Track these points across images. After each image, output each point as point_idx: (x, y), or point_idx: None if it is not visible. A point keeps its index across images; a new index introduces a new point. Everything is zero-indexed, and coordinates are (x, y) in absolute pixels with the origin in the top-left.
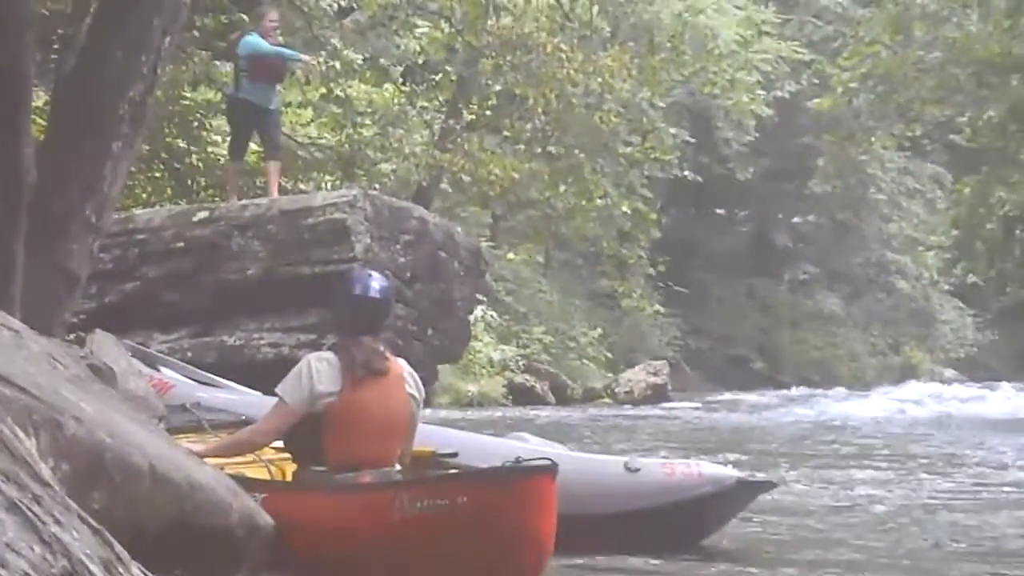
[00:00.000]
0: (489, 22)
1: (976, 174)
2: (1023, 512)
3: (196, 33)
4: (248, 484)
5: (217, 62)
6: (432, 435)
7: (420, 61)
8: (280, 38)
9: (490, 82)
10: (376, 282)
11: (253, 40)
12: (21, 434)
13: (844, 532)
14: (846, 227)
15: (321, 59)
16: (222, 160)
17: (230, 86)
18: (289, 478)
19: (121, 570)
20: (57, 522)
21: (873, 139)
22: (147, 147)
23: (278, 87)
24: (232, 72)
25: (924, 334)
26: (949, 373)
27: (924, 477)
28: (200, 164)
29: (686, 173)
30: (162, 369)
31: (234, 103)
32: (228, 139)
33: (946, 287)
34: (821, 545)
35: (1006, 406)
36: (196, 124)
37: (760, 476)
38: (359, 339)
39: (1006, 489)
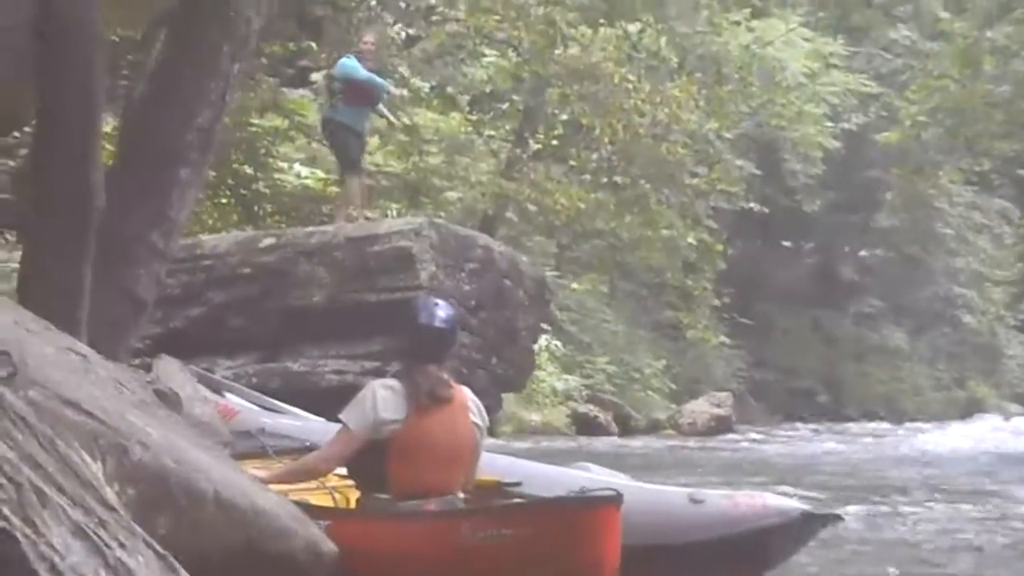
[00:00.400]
0: (556, 51)
1: None
2: None
3: (264, 60)
4: (312, 511)
5: (284, 89)
6: (496, 464)
7: (487, 90)
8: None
9: (556, 111)
10: (442, 311)
11: (350, 64)
12: (88, 458)
13: (908, 568)
14: (912, 261)
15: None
16: (288, 187)
17: (327, 107)
18: (353, 505)
19: None
20: (122, 546)
21: (941, 173)
22: (214, 173)
23: (370, 111)
24: (327, 93)
25: (990, 369)
26: (1015, 408)
27: (986, 514)
28: (267, 191)
29: (753, 204)
30: (227, 395)
31: (330, 124)
32: (294, 166)
33: (1012, 322)
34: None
35: None
36: (263, 151)
37: (825, 509)
38: (424, 367)
39: None
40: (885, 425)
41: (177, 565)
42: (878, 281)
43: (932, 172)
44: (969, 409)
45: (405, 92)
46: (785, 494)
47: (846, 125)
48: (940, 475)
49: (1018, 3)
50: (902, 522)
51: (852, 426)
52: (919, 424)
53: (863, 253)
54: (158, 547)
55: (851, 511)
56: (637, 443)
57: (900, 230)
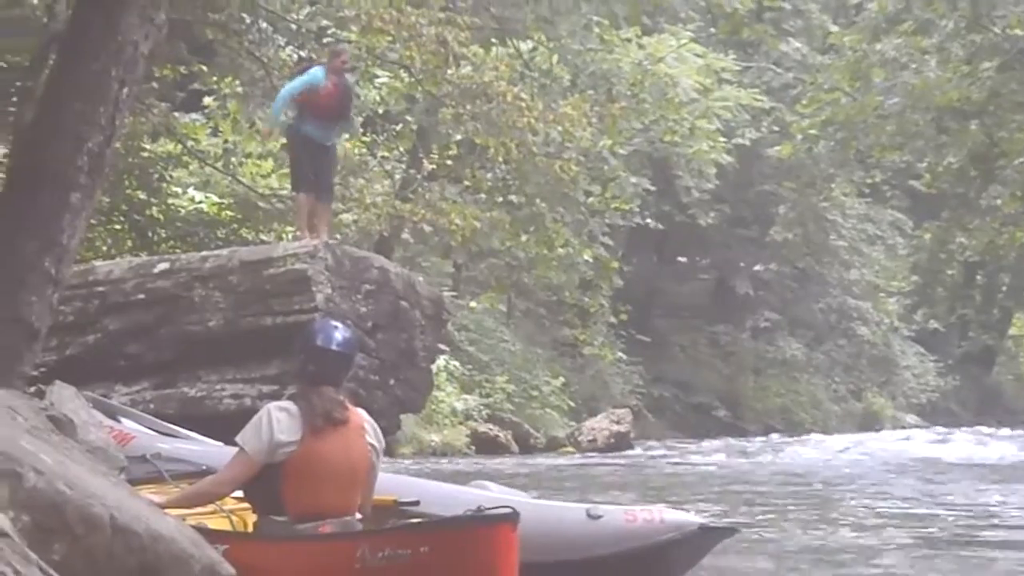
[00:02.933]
0: (449, 71)
1: (936, 220)
2: (974, 552)
3: (155, 84)
4: (210, 535)
5: (176, 113)
6: (394, 484)
7: (380, 111)
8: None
9: (450, 131)
10: (340, 333)
11: (314, 75)
12: None
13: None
14: (807, 274)
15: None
16: (182, 212)
17: (292, 120)
18: (250, 528)
19: None
20: (17, 573)
21: (833, 186)
22: (107, 199)
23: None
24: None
25: (885, 380)
26: (911, 419)
27: (882, 522)
28: (160, 216)
29: (648, 221)
30: (122, 420)
31: (294, 137)
32: (188, 191)
33: (907, 333)
34: None
35: (966, 451)
36: (156, 176)
37: (723, 522)
38: (320, 389)
39: (958, 532)
40: (782, 438)
41: None
42: (773, 294)
43: (824, 185)
44: (866, 421)
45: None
46: (683, 508)
47: (739, 140)
48: (835, 487)
49: (907, 16)
50: (799, 533)
51: (750, 440)
52: (817, 436)
53: (758, 267)
54: (53, 573)
55: (748, 523)
56: (537, 461)
57: (794, 243)
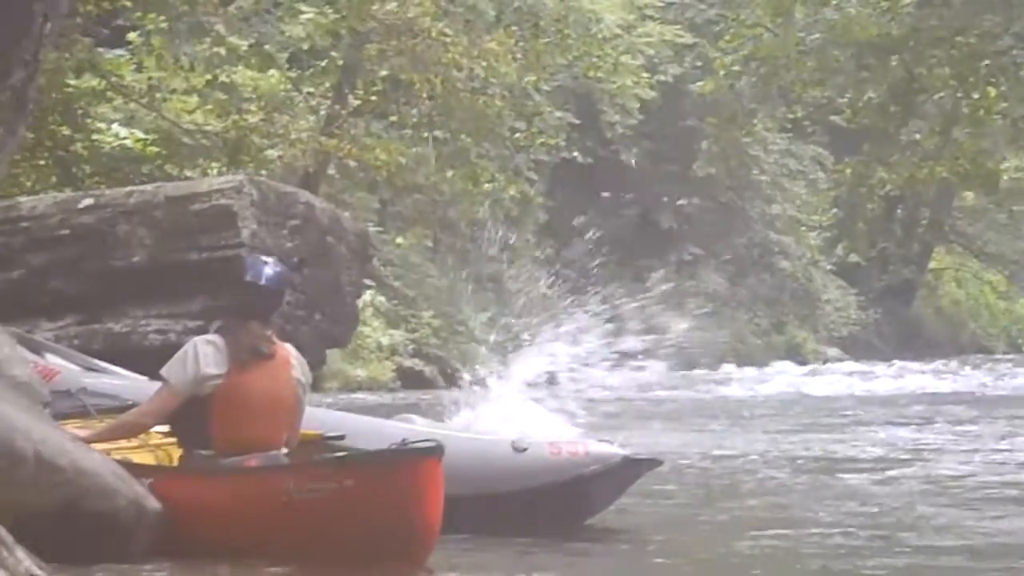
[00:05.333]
0: (374, 7)
1: (857, 155)
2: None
3: (79, 20)
4: (135, 469)
5: (100, 49)
6: (320, 418)
7: (305, 47)
8: None
9: (375, 67)
10: (269, 269)
11: None
12: None
13: (731, 507)
14: (730, 208)
15: (206, 45)
16: (107, 148)
17: None
18: (176, 463)
19: (5, 553)
20: None
21: (755, 121)
22: (31, 135)
23: None
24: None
25: (807, 314)
26: (833, 352)
27: (800, 454)
28: (85, 152)
29: (575, 154)
30: (47, 355)
31: None
32: (113, 127)
33: (829, 267)
34: (707, 521)
35: (883, 384)
36: (80, 112)
37: (647, 453)
38: (247, 324)
39: (870, 455)
40: (705, 371)
41: None
42: (697, 229)
43: (747, 121)
44: (789, 354)
45: (222, 51)
46: (607, 440)
47: (662, 76)
48: (756, 418)
49: None
50: (723, 463)
51: (673, 373)
52: (737, 369)
53: (681, 202)
54: None
55: (672, 454)
56: (462, 395)
57: (717, 178)
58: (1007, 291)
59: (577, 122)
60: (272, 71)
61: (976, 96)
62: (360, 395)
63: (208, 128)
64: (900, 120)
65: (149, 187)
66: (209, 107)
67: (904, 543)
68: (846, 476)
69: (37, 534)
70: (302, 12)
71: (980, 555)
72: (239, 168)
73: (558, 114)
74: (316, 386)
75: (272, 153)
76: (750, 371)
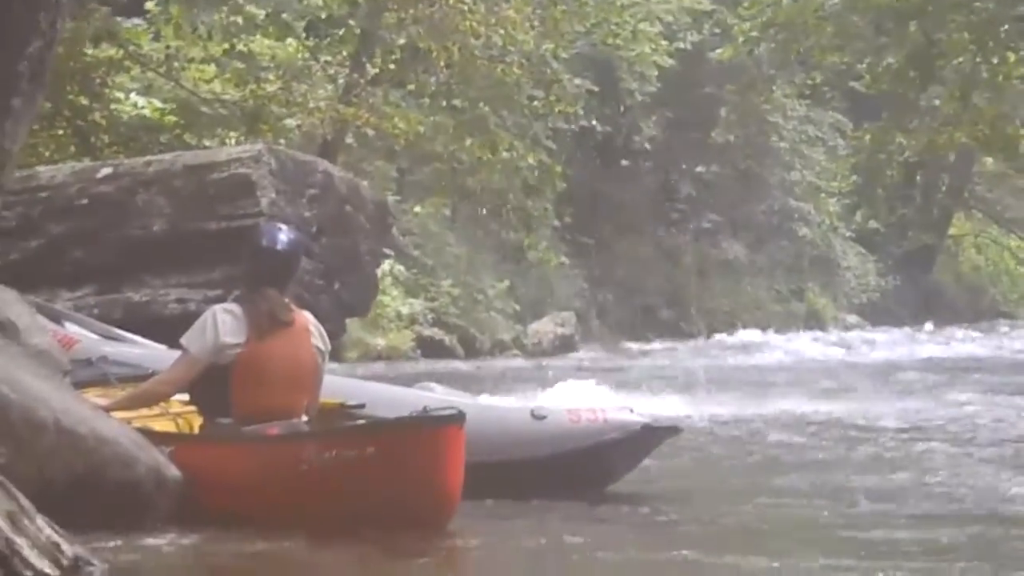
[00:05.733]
0: None
1: (876, 121)
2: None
3: None
4: (155, 437)
5: (118, 18)
6: (340, 386)
7: (323, 16)
8: None
9: (393, 36)
10: (285, 235)
11: None
12: None
13: (750, 474)
14: (748, 176)
15: (224, 14)
16: (125, 117)
17: None
18: (196, 431)
19: (26, 522)
20: None
21: (774, 88)
22: (49, 104)
23: None
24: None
25: (827, 280)
26: (852, 319)
27: (820, 422)
28: (103, 121)
29: (594, 123)
30: (67, 324)
31: None
32: (131, 96)
33: (848, 233)
34: (726, 487)
35: (903, 350)
36: (98, 81)
37: (666, 421)
38: (265, 291)
39: (891, 426)
40: (725, 338)
41: (17, 493)
42: (716, 197)
43: (766, 87)
44: (808, 321)
45: (239, 19)
46: (627, 408)
47: (680, 43)
48: (779, 385)
49: None
50: (743, 431)
51: (694, 341)
52: (760, 336)
53: (700, 169)
54: None
55: (691, 423)
56: (483, 364)
57: (736, 146)
58: None
59: (596, 89)
60: (290, 40)
61: (995, 61)
62: (379, 364)
63: (226, 97)
64: (919, 86)
65: (167, 156)
66: (227, 76)
67: (926, 512)
68: (867, 444)
69: (58, 503)
70: None
71: (1008, 522)
72: (257, 137)
73: (576, 82)
74: (335, 355)
75: (290, 122)
76: (773, 337)
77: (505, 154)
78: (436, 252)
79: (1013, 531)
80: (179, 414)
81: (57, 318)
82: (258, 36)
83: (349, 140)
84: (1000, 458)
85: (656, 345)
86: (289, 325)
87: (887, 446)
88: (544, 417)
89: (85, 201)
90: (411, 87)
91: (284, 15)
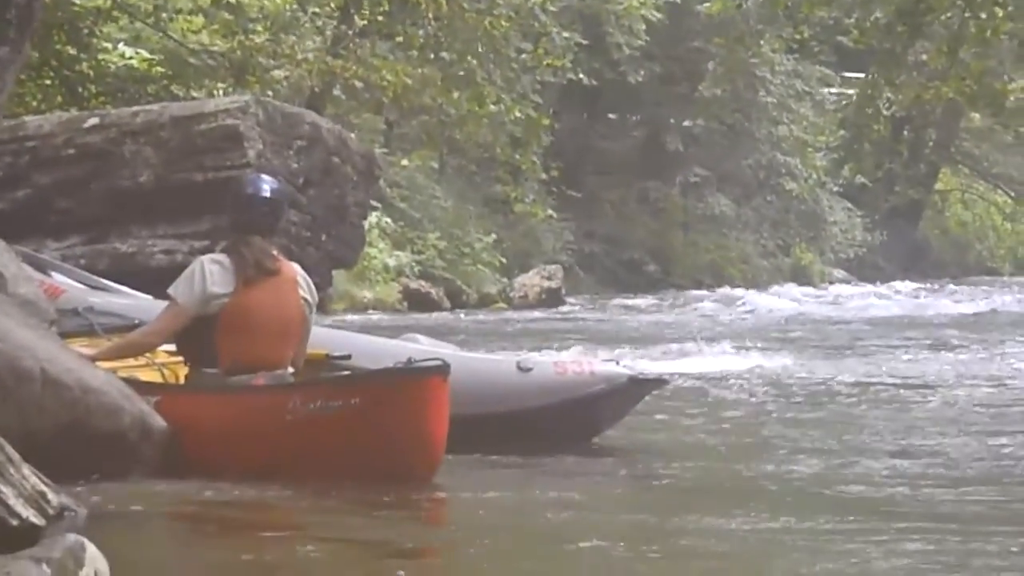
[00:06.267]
0: None
1: (863, 76)
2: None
3: None
4: (141, 387)
5: None
6: (325, 338)
7: None
8: None
9: None
10: (267, 184)
11: None
12: None
13: (737, 429)
14: (736, 130)
15: None
16: (113, 67)
17: None
18: (182, 381)
19: (12, 470)
20: None
21: (762, 42)
22: (36, 54)
23: None
24: None
25: (814, 235)
26: (839, 273)
27: (811, 376)
28: (91, 71)
29: (581, 76)
30: (53, 274)
31: None
32: (119, 46)
33: (835, 188)
34: (710, 441)
35: (889, 304)
36: (86, 31)
37: (652, 373)
38: (250, 239)
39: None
40: (711, 292)
41: (2, 441)
42: (703, 151)
43: (753, 41)
44: (795, 275)
45: None
46: (613, 360)
47: None
48: (763, 338)
49: None
50: (728, 383)
51: (680, 294)
52: (746, 290)
53: (688, 123)
54: None
55: (677, 375)
56: (469, 317)
57: (723, 100)
58: (1013, 212)
59: (584, 43)
60: None
61: (983, 16)
62: (365, 317)
63: (214, 48)
64: (907, 40)
65: (155, 107)
66: (215, 27)
67: (911, 472)
68: (852, 401)
69: (43, 452)
70: None
71: (994, 480)
72: (245, 89)
73: (565, 35)
74: (322, 308)
75: (278, 74)
76: (757, 292)
77: (493, 107)
78: (423, 205)
79: (995, 491)
80: (165, 364)
81: (43, 268)
82: None
83: (337, 92)
84: (985, 417)
85: (642, 299)
86: (275, 274)
87: (876, 404)
88: (530, 369)
89: (72, 151)
90: (399, 39)
91: None
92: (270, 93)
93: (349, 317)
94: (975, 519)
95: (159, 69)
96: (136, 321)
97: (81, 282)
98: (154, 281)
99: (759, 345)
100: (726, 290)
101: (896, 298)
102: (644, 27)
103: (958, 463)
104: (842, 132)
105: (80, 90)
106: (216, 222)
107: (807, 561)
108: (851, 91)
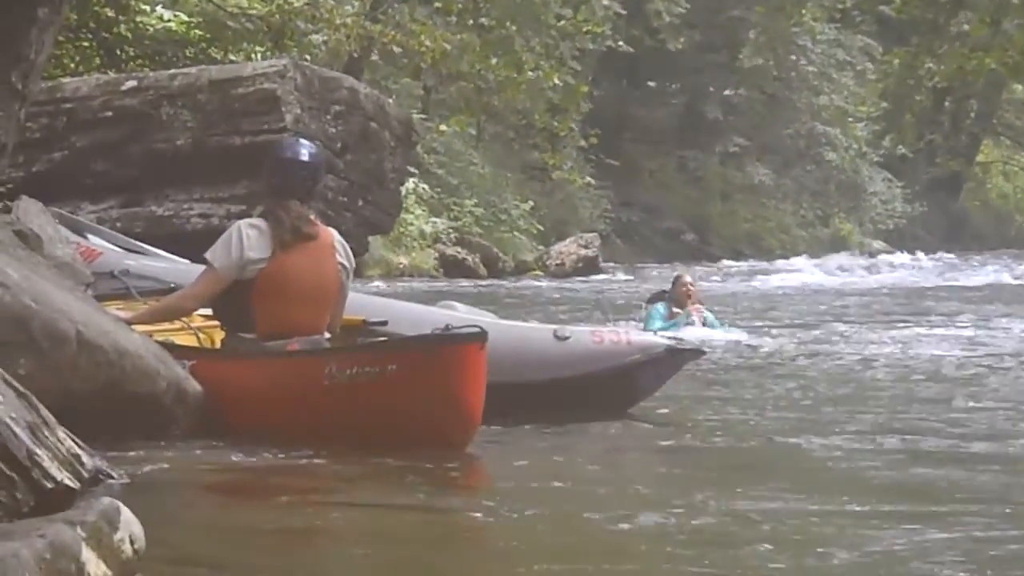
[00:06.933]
0: None
1: (905, 46)
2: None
3: None
4: (177, 351)
5: None
6: (362, 304)
7: None
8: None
9: None
10: (304, 148)
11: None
12: None
13: (772, 401)
14: (776, 99)
15: None
16: (151, 30)
17: None
18: (218, 346)
19: (47, 433)
20: None
21: (803, 11)
22: (74, 16)
23: None
24: None
25: (853, 206)
26: (878, 244)
27: (849, 343)
28: (128, 34)
29: (620, 43)
30: (89, 236)
31: None
32: (157, 9)
33: (876, 159)
34: (747, 413)
35: (930, 275)
36: None
37: (689, 344)
38: (287, 204)
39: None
40: (751, 262)
41: (38, 404)
42: (743, 120)
43: (795, 10)
44: (834, 246)
45: None
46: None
47: None
48: (803, 308)
49: None
50: (767, 353)
51: (718, 264)
52: (785, 260)
53: (728, 92)
54: (19, 386)
55: (714, 347)
56: (506, 284)
57: (764, 69)
58: None
59: (623, 12)
60: None
61: None
62: (402, 282)
63: (252, 12)
64: (950, 10)
65: (193, 70)
66: None
67: (947, 451)
68: (892, 378)
69: (78, 415)
70: None
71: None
72: (283, 53)
73: (604, 2)
74: (358, 273)
75: (316, 38)
76: (799, 261)
77: (531, 74)
78: (460, 171)
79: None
80: (201, 328)
81: (80, 230)
82: None
83: (375, 57)
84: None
85: (679, 267)
86: (313, 239)
87: (913, 379)
88: (567, 338)
89: (109, 114)
90: (438, 4)
91: None
92: (308, 57)
93: (384, 284)
94: (997, 499)
95: (197, 32)
96: (172, 285)
97: (117, 245)
98: (190, 245)
99: (796, 314)
100: (765, 259)
101: (936, 268)
102: None
103: (993, 444)
104: (883, 103)
105: (118, 52)
106: (253, 187)
107: (837, 544)
108: (895, 60)
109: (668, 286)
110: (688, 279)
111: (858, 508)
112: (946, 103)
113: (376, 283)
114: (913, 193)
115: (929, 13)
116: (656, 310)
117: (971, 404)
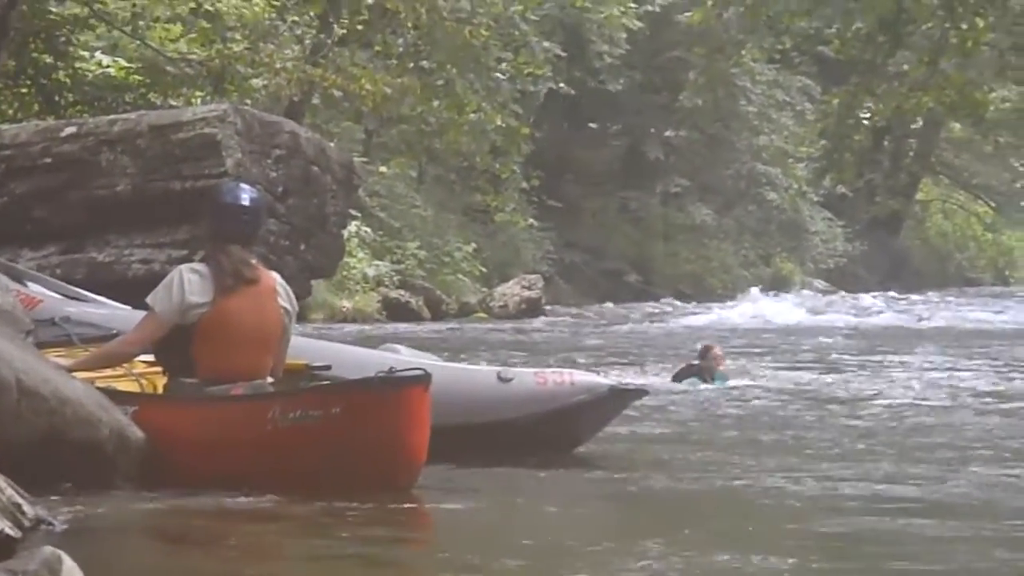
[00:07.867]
0: None
1: (844, 85)
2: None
3: None
4: (119, 397)
5: None
6: (305, 347)
7: None
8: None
9: None
10: (245, 193)
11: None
12: None
13: (713, 437)
14: (717, 140)
15: None
16: (90, 76)
17: None
18: (161, 391)
19: None
20: None
21: (743, 52)
22: (12, 62)
23: None
24: None
25: (794, 245)
26: (819, 283)
27: (792, 388)
28: (67, 80)
29: (561, 86)
30: (29, 284)
31: None
32: (96, 55)
33: (816, 198)
34: (691, 452)
35: (870, 316)
36: (63, 39)
37: (632, 384)
38: (228, 248)
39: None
40: (692, 303)
41: None
42: (684, 160)
43: (734, 51)
44: (776, 285)
45: None
46: (593, 371)
47: (649, 6)
48: (743, 348)
49: None
50: (711, 397)
51: (660, 304)
52: (726, 301)
53: (669, 133)
54: None
55: (657, 384)
56: (449, 327)
57: (704, 109)
58: (993, 222)
59: (563, 55)
60: None
61: (964, 26)
62: (345, 326)
63: (192, 57)
64: (888, 51)
65: (132, 116)
66: (193, 35)
67: (901, 497)
68: (831, 409)
69: (19, 463)
70: None
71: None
72: (223, 97)
73: (545, 44)
74: (301, 317)
75: (257, 82)
76: (738, 302)
77: (472, 116)
78: (402, 214)
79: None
80: (143, 374)
81: (19, 277)
82: None
83: (316, 101)
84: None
85: (622, 308)
86: (255, 283)
87: (856, 413)
88: (511, 379)
89: (49, 160)
90: (378, 48)
91: None
92: (248, 102)
93: (327, 328)
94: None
95: (137, 77)
96: (113, 331)
97: (58, 292)
98: (132, 291)
99: (740, 355)
100: (705, 300)
101: (875, 308)
102: (625, 36)
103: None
104: (823, 142)
105: (57, 98)
106: (194, 231)
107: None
108: (834, 100)
109: (695, 360)
110: (719, 350)
111: (804, 544)
112: (885, 142)
113: (318, 326)
114: (854, 232)
115: (867, 53)
116: (693, 383)
117: (920, 445)
